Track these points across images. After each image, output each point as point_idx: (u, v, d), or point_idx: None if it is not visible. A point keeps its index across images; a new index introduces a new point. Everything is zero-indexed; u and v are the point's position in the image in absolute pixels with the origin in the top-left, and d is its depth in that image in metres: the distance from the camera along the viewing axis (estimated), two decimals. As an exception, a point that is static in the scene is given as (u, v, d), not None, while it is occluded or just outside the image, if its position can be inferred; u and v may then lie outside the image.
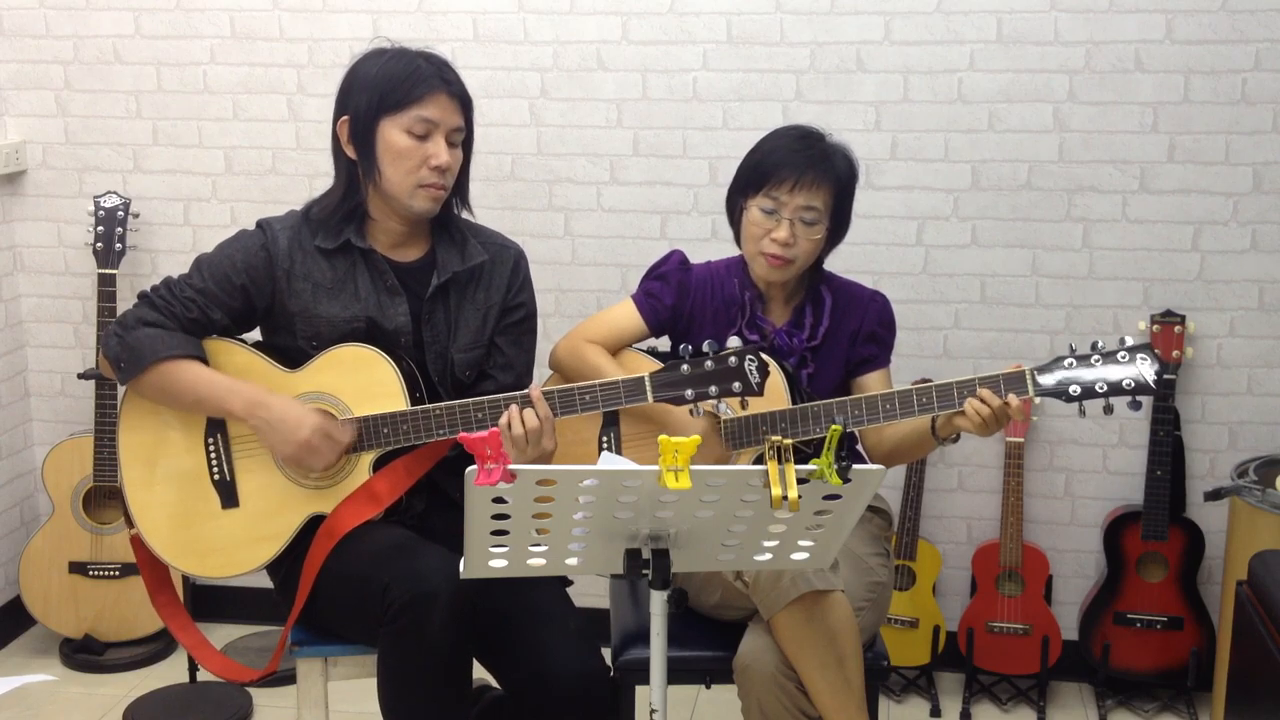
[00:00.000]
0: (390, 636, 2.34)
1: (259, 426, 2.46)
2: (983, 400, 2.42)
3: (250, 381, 2.49)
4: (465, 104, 2.53)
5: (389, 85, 2.45)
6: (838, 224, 2.67)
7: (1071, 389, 2.42)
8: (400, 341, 2.55)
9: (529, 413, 2.40)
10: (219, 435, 2.54)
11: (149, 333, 2.49)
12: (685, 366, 2.37)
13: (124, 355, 2.49)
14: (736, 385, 2.35)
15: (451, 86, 2.49)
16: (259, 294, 2.54)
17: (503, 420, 2.40)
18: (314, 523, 2.50)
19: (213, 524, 2.54)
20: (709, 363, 2.36)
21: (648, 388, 2.40)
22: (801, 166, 2.58)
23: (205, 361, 2.52)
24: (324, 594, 2.46)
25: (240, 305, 2.54)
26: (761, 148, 2.66)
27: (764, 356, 2.38)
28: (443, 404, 2.46)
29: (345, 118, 2.50)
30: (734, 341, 2.40)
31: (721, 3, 3.48)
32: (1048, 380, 2.43)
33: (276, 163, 3.74)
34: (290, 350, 2.56)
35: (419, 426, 2.46)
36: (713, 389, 2.36)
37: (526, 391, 2.43)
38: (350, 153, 2.52)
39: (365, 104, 2.46)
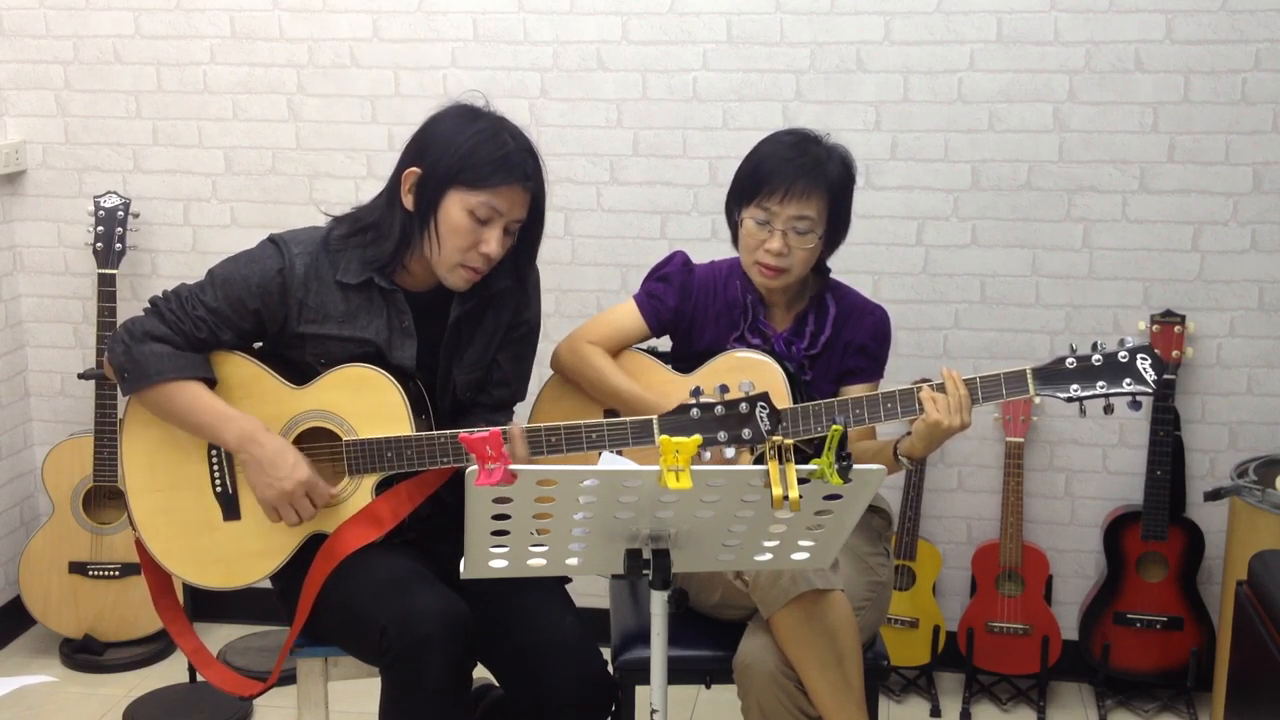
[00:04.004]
0: (389, 679, 2.35)
1: (247, 462, 2.45)
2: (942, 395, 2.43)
3: (250, 416, 2.47)
4: (537, 198, 2.46)
5: (472, 161, 2.38)
6: (834, 229, 2.65)
7: (1072, 389, 2.42)
8: (404, 372, 2.53)
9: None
10: (221, 447, 2.53)
11: (156, 349, 2.46)
12: (695, 411, 2.32)
13: (129, 367, 2.48)
14: (746, 432, 2.29)
15: (530, 183, 2.43)
16: (271, 319, 2.50)
17: None
18: (315, 538, 2.50)
19: (214, 535, 2.53)
20: (719, 408, 2.31)
21: (655, 430, 2.38)
22: (791, 176, 2.56)
23: (212, 380, 2.51)
24: (323, 619, 2.46)
25: (251, 327, 2.52)
26: (755, 154, 2.65)
27: (755, 359, 2.35)
28: (447, 431, 2.44)
29: (416, 170, 2.42)
30: (733, 362, 2.37)
31: (721, 3, 3.48)
32: (1048, 380, 2.43)
33: (276, 163, 3.74)
34: (299, 364, 2.54)
35: (422, 453, 2.44)
36: (722, 435, 2.30)
37: (508, 428, 2.41)
38: (408, 204, 2.44)
39: (443, 168, 2.39)
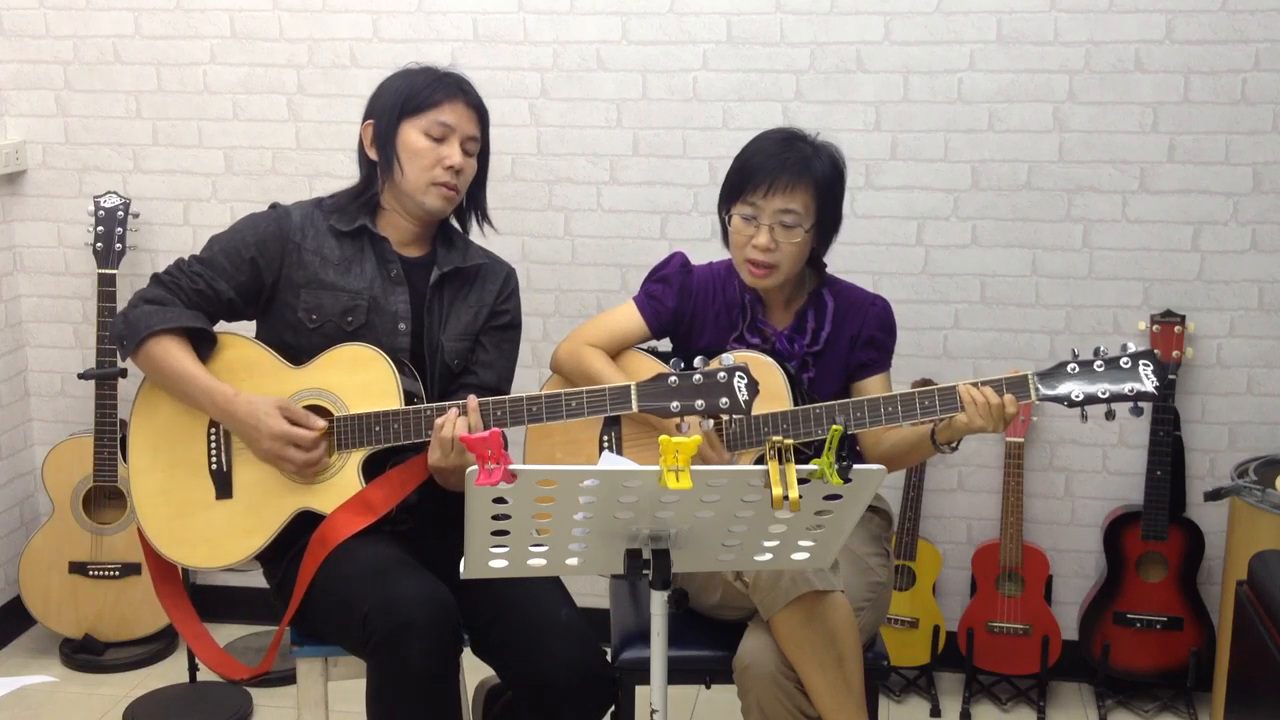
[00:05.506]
0: (373, 667, 2.38)
1: (233, 429, 2.55)
2: (981, 393, 2.42)
3: (223, 384, 2.53)
4: (482, 115, 2.67)
5: (411, 91, 2.61)
6: (825, 224, 2.65)
7: (1074, 394, 2.42)
8: (398, 327, 2.61)
9: (462, 420, 2.44)
10: (221, 425, 2.57)
11: (148, 309, 2.57)
12: (673, 379, 2.35)
13: (125, 332, 2.57)
14: (724, 402, 2.33)
15: (469, 97, 2.64)
16: (268, 267, 2.61)
17: (439, 420, 2.44)
18: (302, 518, 2.53)
19: (205, 514, 2.56)
20: (697, 376, 2.34)
21: (633, 397, 2.39)
22: (775, 170, 2.57)
23: (208, 331, 2.59)
24: (314, 608, 2.49)
25: (247, 279, 2.61)
26: (743, 153, 2.66)
27: (756, 359, 2.35)
28: (433, 404, 2.50)
29: (370, 122, 2.65)
30: (729, 357, 2.38)
31: (721, 3, 3.48)
32: (1050, 385, 2.43)
33: (276, 163, 3.74)
34: (289, 338, 2.61)
35: (409, 426, 2.49)
36: (699, 403, 2.34)
37: (466, 401, 2.46)
38: (372, 155, 2.65)
39: (389, 108, 2.62)
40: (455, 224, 2.76)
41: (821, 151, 2.63)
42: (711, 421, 2.49)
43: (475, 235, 2.79)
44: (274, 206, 2.69)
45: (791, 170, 2.57)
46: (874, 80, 3.47)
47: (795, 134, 2.66)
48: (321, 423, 2.51)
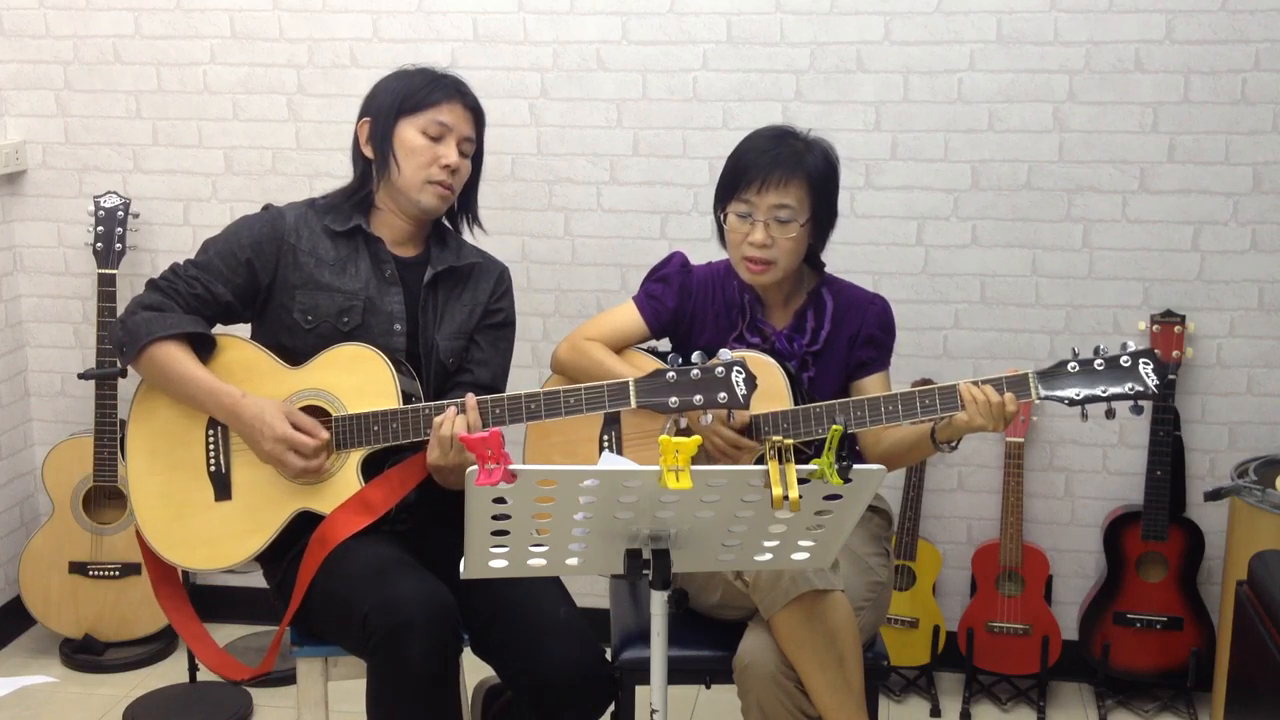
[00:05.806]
0: (373, 667, 2.38)
1: (237, 430, 2.55)
2: (981, 392, 2.42)
3: (230, 387, 2.53)
4: (478, 118, 2.69)
5: (409, 90, 2.63)
6: (821, 219, 2.65)
7: (1075, 393, 2.42)
8: (393, 327, 2.62)
9: (461, 419, 2.44)
10: (219, 427, 2.58)
11: (146, 316, 2.57)
12: (671, 374, 2.36)
13: (125, 340, 2.57)
14: (722, 396, 2.34)
15: (466, 99, 2.67)
16: (264, 269, 2.61)
17: (438, 419, 2.45)
18: (302, 518, 2.53)
19: (204, 516, 2.57)
20: (695, 371, 2.35)
21: (632, 392, 2.40)
22: (768, 166, 2.59)
23: (208, 335, 2.59)
24: (314, 608, 2.50)
25: (244, 281, 2.61)
26: (735, 152, 2.67)
27: (756, 359, 2.35)
28: (432, 403, 2.50)
29: (366, 119, 2.67)
30: (727, 353, 2.38)
31: (721, 3, 3.48)
32: (1050, 384, 2.43)
33: (276, 163, 3.74)
34: (285, 339, 2.62)
35: (408, 424, 2.49)
36: (698, 398, 2.35)
37: (464, 399, 2.47)
38: (368, 153, 2.66)
39: (386, 107, 2.63)
40: (447, 224, 2.77)
41: (814, 147, 2.64)
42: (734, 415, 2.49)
43: (466, 236, 2.80)
44: (267, 208, 2.70)
45: (784, 165, 2.58)
46: (874, 80, 3.47)
47: (787, 130, 2.67)
48: (325, 434, 2.51)
